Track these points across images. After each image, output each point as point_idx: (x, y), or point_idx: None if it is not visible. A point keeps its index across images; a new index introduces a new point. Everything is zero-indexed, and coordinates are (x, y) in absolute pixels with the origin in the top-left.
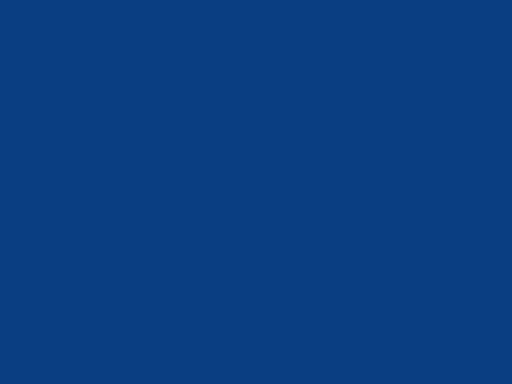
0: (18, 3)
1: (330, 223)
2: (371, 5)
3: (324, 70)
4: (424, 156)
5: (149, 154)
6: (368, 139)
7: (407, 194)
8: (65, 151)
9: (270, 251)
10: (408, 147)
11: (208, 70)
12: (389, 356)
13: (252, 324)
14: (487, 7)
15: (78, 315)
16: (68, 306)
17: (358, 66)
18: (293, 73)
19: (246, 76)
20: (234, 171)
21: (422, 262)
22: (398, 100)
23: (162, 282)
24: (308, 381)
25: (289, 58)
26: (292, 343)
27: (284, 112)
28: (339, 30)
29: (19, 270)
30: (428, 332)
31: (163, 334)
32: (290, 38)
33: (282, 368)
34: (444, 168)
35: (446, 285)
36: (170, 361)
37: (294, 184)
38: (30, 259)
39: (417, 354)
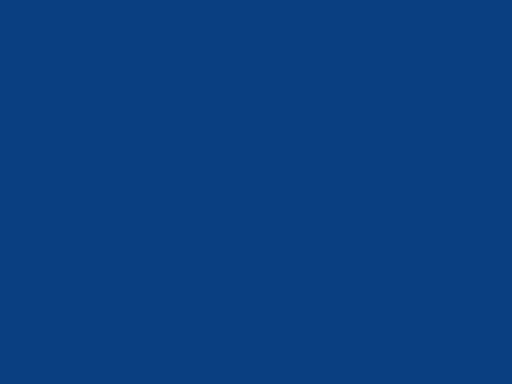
0: (18, 3)
1: (330, 223)
2: (371, 5)
3: (324, 69)
4: (424, 156)
5: (149, 153)
6: (368, 139)
7: (407, 194)
8: (65, 151)
9: (270, 251)
10: (408, 147)
11: (208, 70)
12: (389, 356)
13: (252, 324)
14: (487, 7)
15: (78, 315)
16: (68, 306)
17: (357, 66)
18: (293, 73)
19: (246, 76)
20: (234, 171)
21: (421, 262)
22: (398, 100)
23: (162, 281)
24: (308, 381)
25: (289, 57)
26: (292, 343)
27: (284, 112)
28: (339, 29)
29: (19, 269)
30: (428, 332)
31: (163, 334)
32: (290, 38)
33: (282, 368)
34: (444, 168)
35: (445, 285)
36: (170, 361)
37: (294, 184)
38: (30, 259)
39: (417, 354)
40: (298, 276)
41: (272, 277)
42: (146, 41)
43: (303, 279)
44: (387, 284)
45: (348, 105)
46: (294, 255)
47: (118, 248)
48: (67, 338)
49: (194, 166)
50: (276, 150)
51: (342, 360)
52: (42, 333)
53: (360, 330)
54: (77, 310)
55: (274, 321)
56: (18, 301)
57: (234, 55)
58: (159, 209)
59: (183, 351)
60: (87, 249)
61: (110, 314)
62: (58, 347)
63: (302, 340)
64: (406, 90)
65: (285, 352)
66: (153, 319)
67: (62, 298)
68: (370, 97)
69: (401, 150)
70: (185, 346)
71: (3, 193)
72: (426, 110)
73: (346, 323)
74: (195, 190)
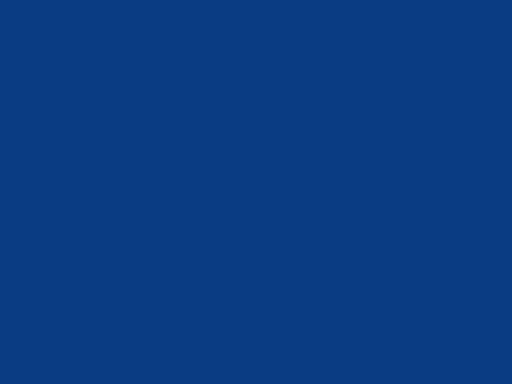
0: (18, 3)
1: (329, 224)
2: (371, 5)
3: (324, 70)
4: (424, 156)
5: (149, 154)
6: (368, 139)
7: (407, 194)
8: (65, 151)
9: (270, 251)
10: (408, 147)
11: (208, 70)
12: (389, 356)
13: (252, 324)
14: (487, 7)
15: (77, 315)
16: (68, 306)
17: (357, 67)
18: (293, 73)
19: (245, 76)
20: (235, 171)
21: (422, 262)
22: (398, 100)
23: (162, 281)
24: (308, 381)
25: (289, 58)
26: (292, 343)
27: (284, 112)
28: (339, 30)
29: (19, 270)
30: (428, 332)
31: (163, 334)
32: (289, 38)
33: (281, 368)
34: (444, 168)
35: (445, 285)
36: (169, 361)
37: (295, 184)
38: (30, 259)
39: (417, 354)
40: (298, 276)
41: (272, 277)
42: (145, 41)
43: (303, 279)
44: (387, 284)
45: (348, 105)
46: (293, 255)
47: (118, 248)
48: (67, 338)
49: (194, 165)
50: (276, 150)
51: (341, 360)
52: (42, 333)
53: (360, 330)
54: (77, 310)
55: (274, 321)
56: (18, 301)
57: (234, 55)
58: (159, 209)
59: (183, 351)
60: (87, 249)
61: (110, 314)
62: (57, 347)
63: (302, 340)
64: (406, 90)
65: (284, 352)
66: (153, 319)
67: (62, 298)
68: (370, 97)
69: (401, 150)
70: (185, 346)
71: (3, 193)
72: (426, 110)
73: (346, 323)
74: (195, 191)
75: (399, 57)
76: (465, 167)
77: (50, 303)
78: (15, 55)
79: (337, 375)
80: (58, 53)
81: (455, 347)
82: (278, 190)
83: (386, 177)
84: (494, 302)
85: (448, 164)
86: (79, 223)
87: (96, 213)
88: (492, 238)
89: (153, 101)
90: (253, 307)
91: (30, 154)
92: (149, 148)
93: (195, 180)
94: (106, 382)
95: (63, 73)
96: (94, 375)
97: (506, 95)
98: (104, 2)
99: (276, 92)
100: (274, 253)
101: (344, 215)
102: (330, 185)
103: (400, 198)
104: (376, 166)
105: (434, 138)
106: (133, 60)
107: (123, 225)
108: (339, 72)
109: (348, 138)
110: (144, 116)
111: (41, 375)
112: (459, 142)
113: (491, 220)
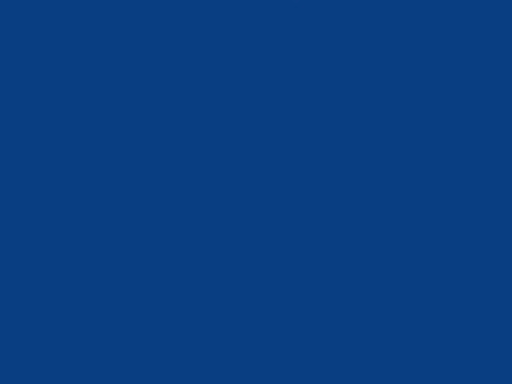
0: (18, 3)
1: (330, 223)
2: (371, 5)
3: (324, 70)
4: (424, 156)
5: (149, 154)
6: (368, 139)
7: (407, 194)
8: (65, 151)
9: (270, 251)
10: (408, 147)
11: (208, 70)
12: (389, 356)
13: (252, 324)
14: (487, 7)
15: (78, 315)
16: (68, 306)
17: (358, 66)
18: (293, 73)
19: (246, 76)
20: (235, 171)
21: (421, 263)
22: (398, 100)
23: (162, 282)
24: (308, 381)
25: (289, 58)
26: (292, 343)
27: (284, 112)
28: (339, 30)
29: (19, 270)
30: (428, 332)
31: (163, 333)
32: (290, 38)
33: (282, 368)
34: (444, 168)
35: (445, 285)
36: (170, 361)
37: (294, 184)
38: (30, 259)
39: (417, 354)
40: (297, 276)
41: (272, 277)
42: (145, 41)
43: (303, 279)
44: (387, 284)
45: (348, 105)
46: (293, 255)
47: (118, 248)
48: (67, 338)
49: (194, 166)
50: (276, 150)
51: (342, 360)
52: (42, 333)
53: (360, 330)
54: (77, 310)
55: (274, 321)
56: (19, 301)
57: (234, 55)
58: (159, 209)
59: (183, 351)
60: (87, 249)
61: (110, 313)
62: (58, 347)
63: (302, 340)
64: (406, 90)
65: (285, 352)
66: (153, 319)
67: (62, 298)
68: (370, 97)
69: (401, 150)
70: (185, 346)
71: (3, 193)
72: (426, 110)
73: (345, 323)
74: (195, 190)
75: (399, 57)
76: (465, 167)
77: (50, 303)
78: (15, 55)
79: (337, 375)
80: (58, 53)
81: (455, 347)
82: (278, 190)
83: (386, 177)
84: (494, 302)
85: (448, 164)
86: (79, 223)
87: (96, 212)
88: (492, 238)
89: (153, 101)
90: (253, 307)
91: (30, 154)
92: (149, 148)
93: (195, 180)
94: (106, 382)
95: (63, 73)
96: (94, 375)
97: (506, 95)
98: (104, 2)
99: (276, 92)
100: (274, 253)
101: (344, 215)
102: (330, 185)
103: (400, 198)
104: (376, 165)
105: (434, 138)
106: (133, 60)
107: (123, 224)
108: (339, 72)
109: (348, 138)
110: (144, 115)
111: (41, 375)
112: (459, 142)
113: (491, 220)
